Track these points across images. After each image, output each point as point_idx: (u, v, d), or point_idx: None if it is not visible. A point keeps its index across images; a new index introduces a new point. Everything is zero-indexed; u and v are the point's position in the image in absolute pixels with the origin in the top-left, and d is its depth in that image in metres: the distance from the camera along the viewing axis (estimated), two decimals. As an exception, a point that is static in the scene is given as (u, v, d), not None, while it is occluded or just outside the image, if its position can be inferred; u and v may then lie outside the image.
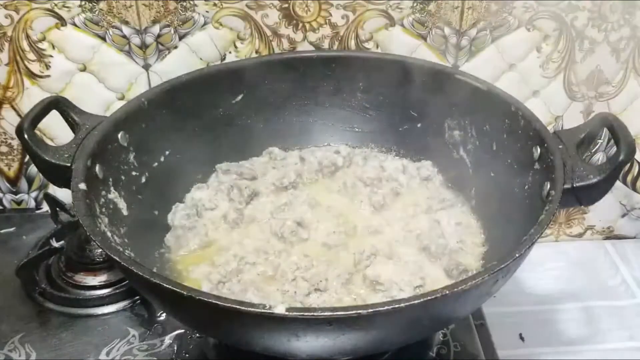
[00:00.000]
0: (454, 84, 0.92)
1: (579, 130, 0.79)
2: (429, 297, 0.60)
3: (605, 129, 0.77)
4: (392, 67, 0.97)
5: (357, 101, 1.01)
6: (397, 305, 0.59)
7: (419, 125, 0.99)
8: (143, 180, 0.87)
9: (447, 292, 0.60)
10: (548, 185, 0.74)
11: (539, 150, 0.79)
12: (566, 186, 0.72)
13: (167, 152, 0.91)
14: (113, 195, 0.81)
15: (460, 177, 0.95)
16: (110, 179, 0.81)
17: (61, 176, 0.77)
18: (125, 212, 0.82)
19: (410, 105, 0.98)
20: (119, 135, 0.83)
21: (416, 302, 0.59)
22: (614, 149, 0.73)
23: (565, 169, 0.73)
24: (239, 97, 0.97)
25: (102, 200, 0.78)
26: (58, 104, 0.82)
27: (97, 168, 0.78)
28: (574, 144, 0.77)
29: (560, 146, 0.76)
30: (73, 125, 0.82)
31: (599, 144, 1.16)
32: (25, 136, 0.76)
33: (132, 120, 0.85)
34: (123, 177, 0.84)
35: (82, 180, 0.74)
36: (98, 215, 0.75)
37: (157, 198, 0.89)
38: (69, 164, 0.76)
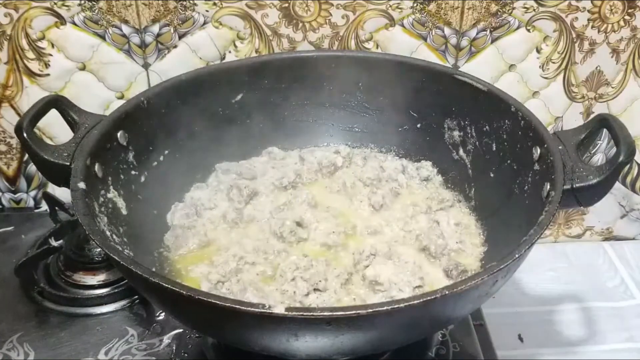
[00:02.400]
0: (453, 84, 0.92)
1: (579, 131, 0.79)
2: (428, 298, 0.60)
3: (605, 130, 0.77)
4: (392, 67, 0.97)
5: (357, 101, 1.01)
6: (396, 306, 0.58)
7: (418, 125, 0.99)
8: (142, 179, 0.87)
9: (447, 292, 0.60)
10: (548, 186, 0.74)
11: (538, 150, 0.79)
12: (566, 187, 0.72)
13: (166, 152, 0.91)
14: (112, 194, 0.81)
15: (460, 178, 0.95)
16: (110, 178, 0.81)
17: (60, 175, 0.76)
18: (124, 212, 0.82)
19: (410, 105, 0.98)
20: (119, 135, 0.83)
21: (415, 302, 0.59)
22: (614, 150, 0.72)
23: (565, 170, 0.73)
24: (239, 97, 0.97)
25: (102, 199, 0.78)
26: (57, 102, 0.82)
27: (97, 167, 0.78)
28: (573, 145, 0.77)
29: (560, 147, 0.76)
30: (72, 124, 0.82)
31: (598, 144, 1.17)
32: (25, 135, 0.76)
33: (131, 119, 0.85)
34: (122, 176, 0.84)
35: (82, 179, 0.74)
36: (97, 215, 0.75)
37: (156, 197, 0.89)
38: (68, 163, 0.76)
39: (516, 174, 0.83)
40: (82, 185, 0.73)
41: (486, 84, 0.89)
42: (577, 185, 0.72)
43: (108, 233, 0.75)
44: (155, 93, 0.89)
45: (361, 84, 0.99)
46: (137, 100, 0.87)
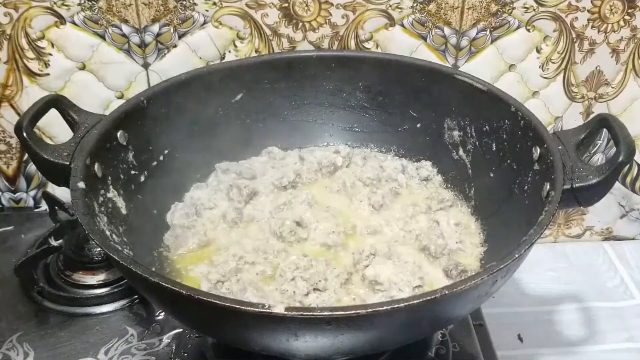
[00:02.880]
0: (453, 84, 0.92)
1: (579, 131, 0.79)
2: (427, 298, 0.60)
3: (604, 130, 0.77)
4: (392, 67, 0.97)
5: (357, 101, 1.01)
6: (396, 306, 0.58)
7: (418, 125, 0.99)
8: (142, 179, 0.87)
9: (446, 292, 0.60)
10: (547, 186, 0.74)
11: (538, 150, 0.79)
12: (566, 187, 0.72)
13: (166, 151, 0.91)
14: (112, 194, 0.81)
15: (460, 178, 0.95)
16: (109, 178, 0.81)
17: (60, 175, 0.76)
18: (124, 211, 0.82)
19: (410, 105, 0.98)
20: (118, 134, 0.83)
21: (415, 302, 0.59)
22: (614, 149, 0.73)
23: (565, 170, 0.73)
24: (239, 97, 0.97)
25: (101, 199, 0.78)
26: (57, 102, 0.82)
27: (96, 167, 0.78)
28: (573, 145, 0.77)
29: (560, 147, 0.76)
30: (72, 124, 0.82)
31: (598, 144, 1.17)
32: (24, 134, 0.76)
33: (131, 119, 0.85)
34: (122, 176, 0.84)
35: (81, 179, 0.74)
36: (97, 214, 0.75)
37: (156, 197, 0.89)
38: (67, 163, 0.76)
39: (516, 174, 0.83)
40: (81, 184, 0.73)
41: (486, 83, 0.89)
42: (577, 185, 0.72)
43: (108, 233, 0.75)
44: (155, 93, 0.89)
45: (361, 84, 0.99)
46: (136, 100, 0.87)
